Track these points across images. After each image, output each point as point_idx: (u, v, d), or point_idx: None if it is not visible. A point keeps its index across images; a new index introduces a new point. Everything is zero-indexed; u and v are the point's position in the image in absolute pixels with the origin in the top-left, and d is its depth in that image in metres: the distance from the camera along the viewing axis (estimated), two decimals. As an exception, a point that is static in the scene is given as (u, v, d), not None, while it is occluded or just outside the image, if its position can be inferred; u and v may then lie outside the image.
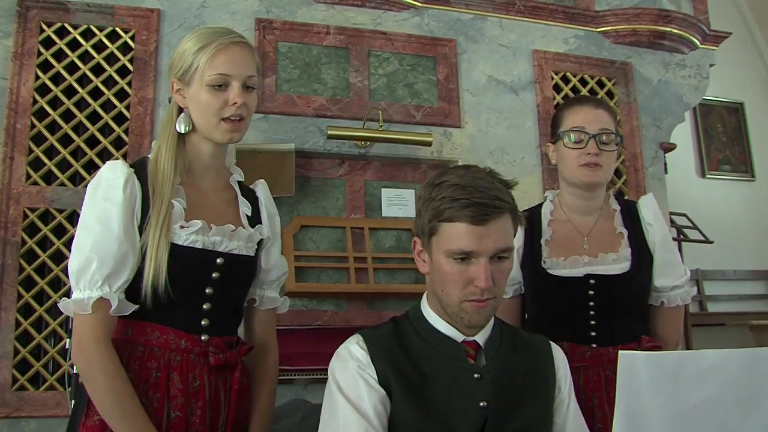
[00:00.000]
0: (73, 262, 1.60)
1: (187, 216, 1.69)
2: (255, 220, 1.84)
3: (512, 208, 1.51)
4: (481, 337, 1.54)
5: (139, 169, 1.70)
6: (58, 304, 1.63)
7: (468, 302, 1.47)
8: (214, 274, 1.70)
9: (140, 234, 1.63)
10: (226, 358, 1.68)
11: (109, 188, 1.64)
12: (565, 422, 1.57)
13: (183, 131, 1.73)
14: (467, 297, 1.47)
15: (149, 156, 1.76)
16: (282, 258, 1.91)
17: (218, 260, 1.70)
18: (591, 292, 2.00)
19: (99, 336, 1.58)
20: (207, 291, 1.69)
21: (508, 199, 1.50)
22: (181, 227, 1.66)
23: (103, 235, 1.59)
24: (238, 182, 1.88)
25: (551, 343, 1.66)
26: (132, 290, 1.63)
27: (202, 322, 1.68)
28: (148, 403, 1.59)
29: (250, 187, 1.92)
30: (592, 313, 2.00)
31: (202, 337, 1.68)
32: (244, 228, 1.79)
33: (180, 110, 1.75)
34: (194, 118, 1.72)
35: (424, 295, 1.61)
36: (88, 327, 1.58)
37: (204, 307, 1.69)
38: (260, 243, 1.83)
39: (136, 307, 1.63)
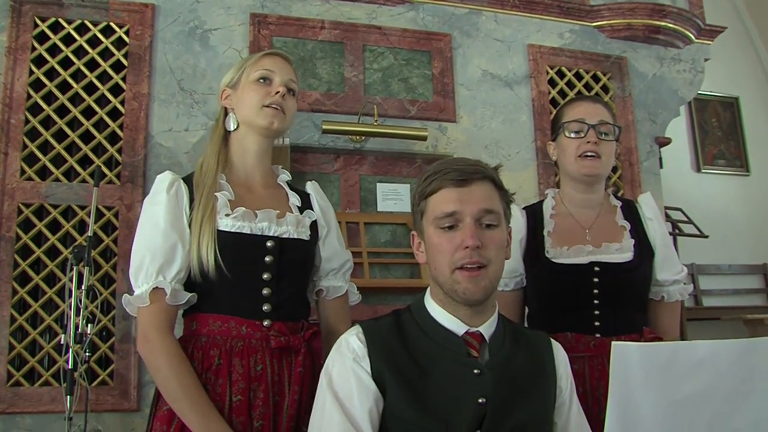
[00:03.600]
0: (131, 266, 1.72)
1: (233, 206, 1.78)
2: (305, 209, 1.92)
3: (494, 179, 1.54)
4: (485, 330, 1.51)
5: (188, 176, 1.84)
6: (122, 301, 1.74)
7: (459, 270, 1.45)
8: (267, 258, 1.76)
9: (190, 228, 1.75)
10: (288, 341, 1.73)
11: (154, 194, 1.78)
12: (567, 423, 1.55)
13: (232, 128, 1.88)
14: (457, 263, 1.45)
15: None
16: (342, 247, 1.98)
17: (268, 243, 1.77)
18: (596, 280, 2.02)
19: (160, 325, 1.68)
20: (264, 276, 1.75)
21: (489, 169, 1.54)
22: (226, 215, 1.75)
23: (151, 233, 1.73)
24: (288, 183, 1.97)
25: (552, 340, 1.64)
26: (191, 283, 1.75)
27: (264, 308, 1.74)
28: (211, 390, 1.66)
29: (302, 189, 2.01)
30: (596, 302, 2.01)
31: (264, 323, 1.73)
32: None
33: (226, 114, 1.91)
34: (239, 114, 1.87)
35: (428, 289, 1.59)
36: (148, 317, 1.69)
37: (264, 292, 1.75)
38: (315, 230, 1.91)
39: (192, 295, 1.73)
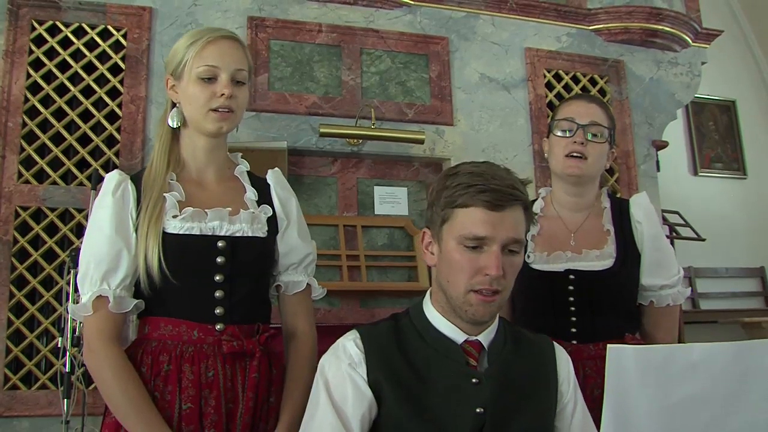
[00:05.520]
0: (79, 272, 1.65)
1: (182, 207, 1.69)
2: (263, 203, 1.82)
3: (526, 203, 1.49)
4: (484, 338, 1.50)
5: (138, 174, 1.74)
6: (68, 310, 1.68)
7: (474, 293, 1.42)
8: (218, 259, 1.68)
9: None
10: (242, 346, 1.65)
11: (101, 197, 1.69)
12: (569, 427, 1.53)
13: (174, 125, 1.75)
14: (474, 286, 1.42)
15: None
16: (304, 240, 1.87)
17: (219, 244, 1.68)
18: (571, 288, 1.99)
19: (103, 334, 1.60)
20: (216, 278, 1.67)
21: (523, 191, 1.48)
22: (174, 216, 1.67)
23: (96, 238, 1.64)
24: (249, 173, 1.87)
25: (555, 344, 1.62)
26: (139, 288, 1.67)
27: (216, 311, 1.66)
28: (160, 397, 1.59)
29: (263, 177, 1.90)
30: (572, 309, 1.98)
31: (217, 327, 1.65)
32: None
33: (174, 106, 1.77)
34: (185, 111, 1.74)
35: (428, 292, 1.57)
36: (93, 326, 1.61)
37: (216, 295, 1.67)
38: (274, 225, 1.81)
39: (138, 302, 1.65)
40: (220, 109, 1.70)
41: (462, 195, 1.44)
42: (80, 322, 2.35)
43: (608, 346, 1.11)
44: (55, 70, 3.05)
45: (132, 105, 3.10)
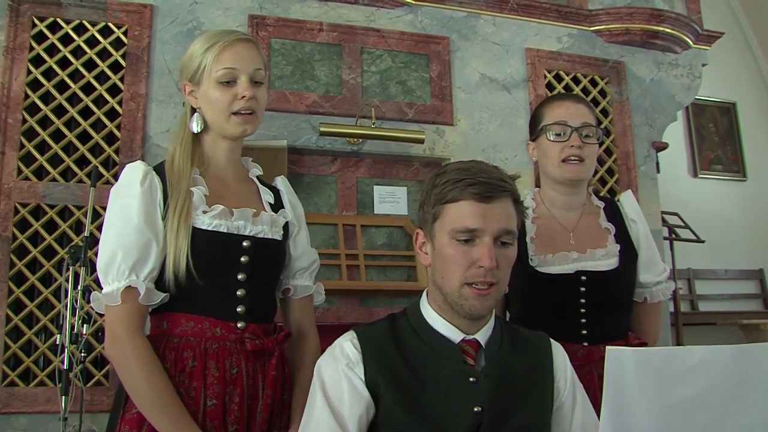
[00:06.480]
0: (101, 259, 1.62)
1: (208, 202, 1.70)
2: (278, 207, 1.86)
3: (515, 195, 1.50)
4: (482, 336, 1.50)
5: (159, 167, 1.75)
6: (91, 298, 1.65)
7: (469, 286, 1.43)
8: (242, 258, 1.70)
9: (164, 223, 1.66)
10: (263, 345, 1.67)
11: (127, 186, 1.68)
12: (570, 424, 1.53)
13: (197, 130, 1.77)
14: (469, 279, 1.43)
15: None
16: (309, 246, 1.92)
17: (244, 243, 1.71)
18: (582, 289, 1.98)
19: (131, 326, 1.60)
20: (239, 277, 1.69)
21: (511, 183, 1.50)
22: (204, 212, 1.68)
23: (124, 228, 1.63)
24: (258, 178, 1.90)
25: (551, 341, 1.62)
26: (162, 281, 1.65)
27: (238, 309, 1.68)
28: (185, 393, 1.59)
29: (271, 184, 1.94)
30: (583, 310, 1.97)
31: (238, 324, 1.67)
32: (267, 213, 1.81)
33: (193, 111, 1.79)
34: (206, 116, 1.76)
35: (424, 293, 1.57)
36: (119, 317, 1.60)
37: (238, 293, 1.69)
38: (286, 229, 1.84)
39: (165, 295, 1.65)
40: (242, 112, 1.72)
41: (451, 190, 1.46)
42: (81, 319, 2.37)
43: (607, 348, 1.11)
44: (55, 67, 3.05)
45: (132, 102, 3.09)
